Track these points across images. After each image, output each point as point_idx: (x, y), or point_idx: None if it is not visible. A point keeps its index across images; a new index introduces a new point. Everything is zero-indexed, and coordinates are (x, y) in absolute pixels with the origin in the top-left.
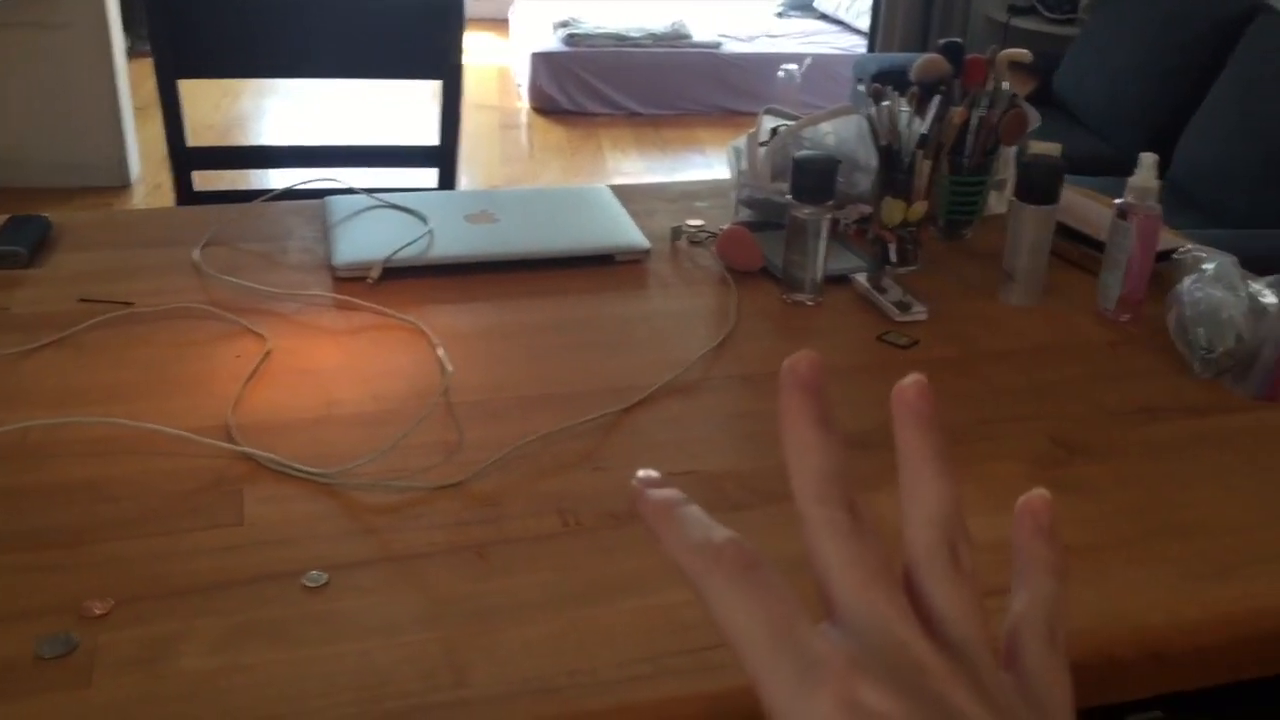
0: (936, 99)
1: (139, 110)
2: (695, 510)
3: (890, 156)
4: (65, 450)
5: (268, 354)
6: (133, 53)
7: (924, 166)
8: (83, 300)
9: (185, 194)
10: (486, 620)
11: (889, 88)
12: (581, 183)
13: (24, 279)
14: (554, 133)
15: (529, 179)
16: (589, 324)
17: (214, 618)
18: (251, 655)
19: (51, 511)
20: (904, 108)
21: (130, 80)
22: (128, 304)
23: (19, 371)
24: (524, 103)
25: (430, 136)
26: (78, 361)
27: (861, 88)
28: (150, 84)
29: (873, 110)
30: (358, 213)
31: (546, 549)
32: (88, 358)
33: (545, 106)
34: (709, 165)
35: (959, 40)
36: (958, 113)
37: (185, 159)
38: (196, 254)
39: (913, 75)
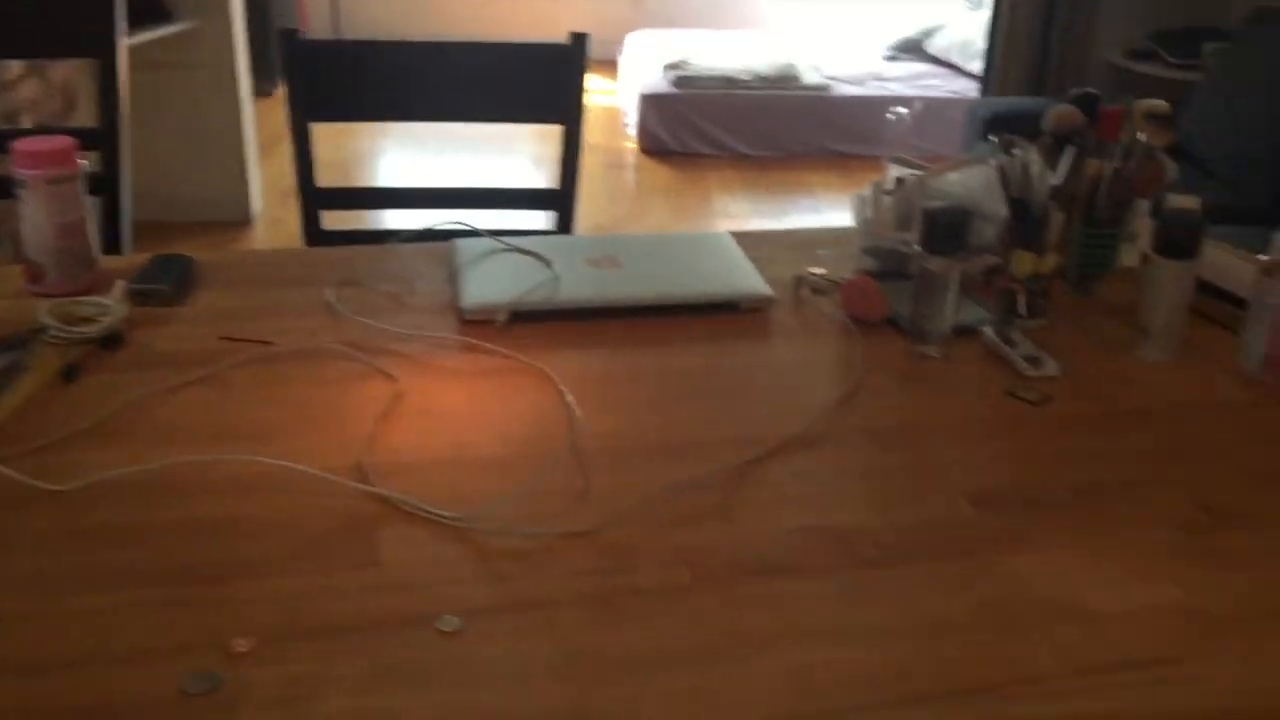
0: (1069, 150)
1: (260, 149)
2: None
3: (1021, 208)
4: (209, 487)
5: (398, 395)
6: (256, 93)
7: (1056, 219)
8: (224, 338)
9: (313, 232)
10: (618, 672)
11: (1020, 138)
12: (689, 224)
13: (169, 316)
14: (661, 174)
15: (635, 219)
16: (712, 372)
17: (354, 659)
18: (392, 699)
19: (196, 548)
20: (1035, 158)
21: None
22: (267, 342)
23: (165, 407)
24: (632, 143)
25: (534, 176)
26: (220, 398)
27: (993, 138)
28: (271, 124)
29: (1003, 160)
30: (484, 256)
31: (677, 602)
32: (229, 395)
33: (653, 147)
34: (817, 209)
35: (1094, 91)
36: (1094, 165)
37: (314, 199)
38: (330, 294)
39: (1046, 126)
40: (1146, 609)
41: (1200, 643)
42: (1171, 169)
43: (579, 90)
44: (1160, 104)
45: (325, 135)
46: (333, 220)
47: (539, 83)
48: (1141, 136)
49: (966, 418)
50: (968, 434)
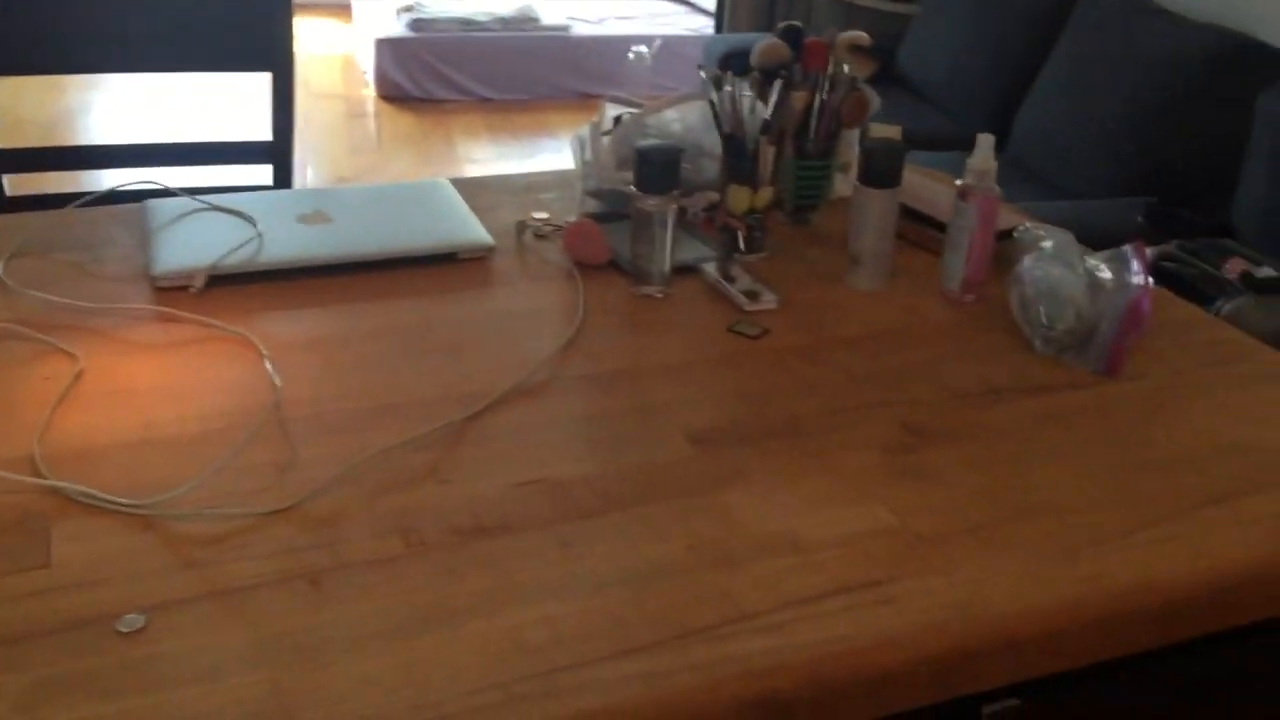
0: (778, 84)
1: None
2: None
3: (734, 143)
4: None
5: (79, 374)
6: None
7: (768, 152)
8: None
9: None
10: (319, 656)
11: (729, 74)
12: (434, 172)
13: None
14: (403, 121)
15: (379, 169)
16: (430, 327)
17: (18, 673)
18: (61, 712)
19: None
20: (746, 93)
21: None
22: None
23: None
24: (371, 91)
25: (267, 131)
26: None
27: (703, 73)
28: None
29: (715, 97)
30: (180, 217)
31: (386, 573)
32: None
33: (393, 94)
34: (561, 150)
35: (799, 24)
36: (799, 97)
37: None
38: (0, 267)
39: (753, 60)
40: (856, 533)
41: (907, 562)
42: (874, 99)
43: (286, 35)
44: (861, 35)
45: (29, 91)
46: (25, 185)
47: (240, 28)
48: (845, 68)
49: (688, 356)
50: (689, 373)
